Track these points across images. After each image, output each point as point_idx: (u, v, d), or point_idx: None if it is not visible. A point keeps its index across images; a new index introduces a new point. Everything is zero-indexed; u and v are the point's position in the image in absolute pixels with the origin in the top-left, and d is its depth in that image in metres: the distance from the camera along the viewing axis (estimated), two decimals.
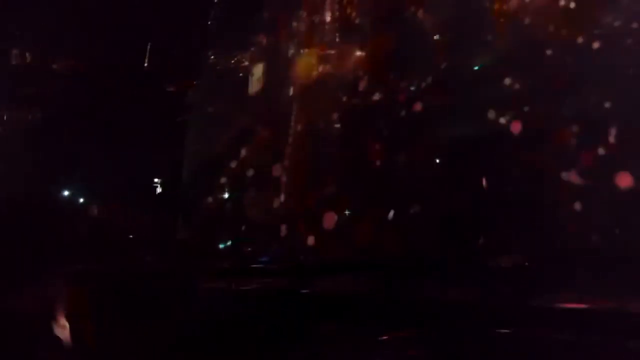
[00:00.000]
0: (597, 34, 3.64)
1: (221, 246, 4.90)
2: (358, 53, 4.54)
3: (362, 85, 4.44)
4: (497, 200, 3.89)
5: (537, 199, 3.84)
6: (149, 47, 5.48)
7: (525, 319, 3.47)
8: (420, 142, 4.23)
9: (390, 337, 3.81)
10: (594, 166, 3.61)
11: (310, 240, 4.50)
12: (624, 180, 3.62)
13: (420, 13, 4.30)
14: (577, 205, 3.63)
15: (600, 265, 3.48)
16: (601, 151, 3.63)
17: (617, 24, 3.62)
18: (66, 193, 5.14)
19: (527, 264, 3.70)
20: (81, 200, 5.20)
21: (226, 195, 5.09)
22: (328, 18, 4.76)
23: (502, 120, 3.93)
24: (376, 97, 4.40)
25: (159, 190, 5.36)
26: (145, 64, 5.46)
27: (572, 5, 3.79)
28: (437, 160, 4.12)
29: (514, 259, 3.83)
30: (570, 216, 3.65)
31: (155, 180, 5.36)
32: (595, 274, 3.46)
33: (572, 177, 3.74)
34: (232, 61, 5.43)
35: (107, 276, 4.74)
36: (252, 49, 5.30)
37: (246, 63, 5.28)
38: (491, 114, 4.00)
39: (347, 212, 4.38)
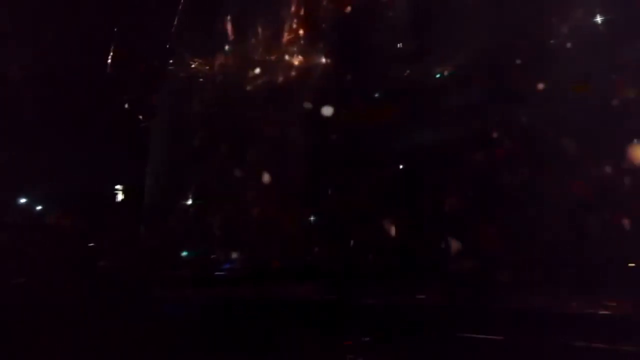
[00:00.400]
0: (551, 44, 3.75)
1: (184, 254, 4.88)
2: (315, 61, 4.58)
3: (317, 94, 4.49)
4: (451, 208, 3.97)
5: (488, 205, 3.93)
6: (111, 50, 5.43)
7: (483, 321, 3.53)
8: (372, 150, 4.29)
9: (350, 342, 3.84)
10: (546, 174, 3.72)
11: (269, 246, 4.52)
12: (579, 188, 3.72)
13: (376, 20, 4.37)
14: (532, 211, 3.73)
15: (558, 269, 3.57)
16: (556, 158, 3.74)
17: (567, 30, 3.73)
18: (22, 200, 5.07)
19: (482, 268, 3.78)
20: (38, 207, 5.13)
21: (189, 203, 5.08)
22: (288, 24, 4.78)
23: (453, 130, 4.03)
24: (329, 106, 4.44)
25: (120, 197, 5.32)
26: (107, 68, 5.41)
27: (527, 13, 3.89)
28: (393, 168, 4.19)
29: (469, 263, 3.91)
30: (526, 221, 3.74)
31: (117, 186, 5.31)
32: (552, 277, 3.55)
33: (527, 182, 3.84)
34: (197, 65, 5.41)
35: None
36: (217, 53, 5.29)
37: (210, 67, 5.27)
38: (440, 124, 4.09)
39: (303, 220, 4.43)
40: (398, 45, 4.23)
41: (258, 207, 4.78)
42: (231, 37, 5.12)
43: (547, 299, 3.38)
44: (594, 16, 3.70)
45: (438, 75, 4.07)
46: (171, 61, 5.43)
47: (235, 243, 4.74)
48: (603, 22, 3.68)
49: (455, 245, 3.88)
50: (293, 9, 4.68)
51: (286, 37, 4.73)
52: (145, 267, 4.87)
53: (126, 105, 5.38)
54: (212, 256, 4.79)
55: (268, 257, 4.52)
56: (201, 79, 5.29)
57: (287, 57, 4.72)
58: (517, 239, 3.74)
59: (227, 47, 5.18)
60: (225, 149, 4.97)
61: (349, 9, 4.45)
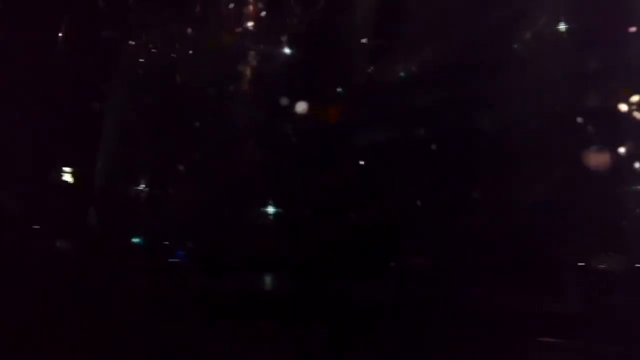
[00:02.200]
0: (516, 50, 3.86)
1: (135, 241, 4.81)
2: (275, 52, 4.56)
3: (278, 86, 4.48)
4: (410, 205, 4.06)
5: (446, 204, 4.04)
6: (62, 31, 5.27)
7: (439, 318, 3.62)
8: (333, 146, 4.33)
9: (302, 335, 3.87)
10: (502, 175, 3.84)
11: (225, 236, 4.50)
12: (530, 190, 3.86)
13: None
14: (488, 210, 3.85)
15: (513, 268, 3.69)
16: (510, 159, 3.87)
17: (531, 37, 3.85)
18: None
19: (440, 265, 3.88)
20: None
21: (141, 189, 4.99)
22: (248, 12, 4.74)
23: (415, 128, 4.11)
24: (289, 99, 4.44)
25: (70, 180, 5.18)
26: (58, 50, 5.24)
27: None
28: (353, 164, 4.23)
29: (426, 260, 4.00)
30: (482, 220, 3.86)
31: (67, 170, 5.18)
32: (507, 276, 3.67)
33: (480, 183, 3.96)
34: (150, 51, 5.31)
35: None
36: (172, 40, 5.20)
37: (164, 54, 5.17)
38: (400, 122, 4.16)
39: (261, 212, 4.42)
40: (362, 40, 4.27)
41: (213, 196, 4.75)
42: (187, 22, 5.04)
43: (503, 298, 3.49)
44: (558, 23, 3.82)
45: (402, 74, 4.14)
46: (126, 44, 5.30)
47: (190, 231, 4.70)
48: (566, 29, 3.80)
49: (413, 242, 3.96)
50: None
51: (245, 25, 4.69)
52: (93, 253, 4.78)
53: (77, 88, 5.23)
54: (165, 243, 4.74)
55: (224, 247, 4.50)
56: (155, 64, 5.19)
57: (245, 46, 4.68)
58: (474, 238, 3.85)
59: (183, 32, 5.10)
60: (180, 137, 4.90)
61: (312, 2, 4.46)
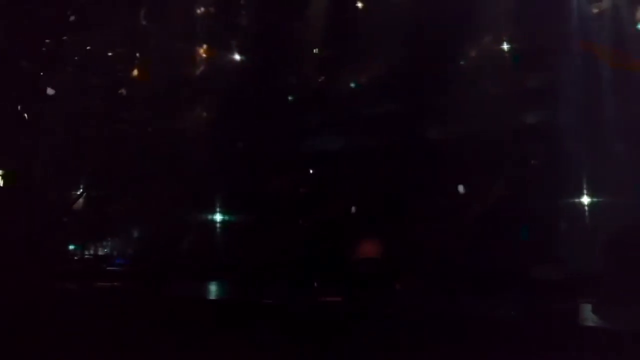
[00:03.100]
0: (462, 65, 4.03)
1: (72, 247, 4.67)
2: (226, 60, 4.56)
3: (228, 94, 4.47)
4: (357, 214, 4.14)
5: (392, 213, 4.13)
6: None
7: (383, 323, 3.67)
8: (281, 154, 4.35)
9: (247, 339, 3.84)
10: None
11: (168, 244, 4.43)
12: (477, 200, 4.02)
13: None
14: (433, 220, 3.96)
15: (455, 275, 3.80)
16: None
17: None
18: None
19: (385, 272, 3.94)
20: None
21: (81, 194, 4.86)
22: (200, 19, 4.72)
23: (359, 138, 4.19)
24: (240, 107, 4.45)
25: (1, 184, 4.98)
26: None
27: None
28: (302, 173, 4.28)
29: (373, 267, 4.06)
30: (427, 230, 3.97)
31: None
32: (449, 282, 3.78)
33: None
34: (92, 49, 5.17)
35: None
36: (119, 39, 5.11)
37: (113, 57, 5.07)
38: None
39: (206, 220, 4.38)
40: (314, 51, 4.34)
41: (156, 204, 4.67)
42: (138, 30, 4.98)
43: (446, 303, 3.57)
44: (501, 43, 4.03)
45: (352, 85, 4.23)
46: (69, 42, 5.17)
47: (129, 239, 4.61)
48: (509, 49, 4.02)
49: (359, 249, 4.02)
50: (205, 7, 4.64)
51: (196, 33, 4.67)
52: (30, 258, 4.60)
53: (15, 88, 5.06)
54: (105, 250, 4.63)
55: (167, 254, 4.43)
56: (100, 69, 5.09)
57: (196, 53, 4.67)
58: (418, 246, 3.94)
59: (133, 40, 5.02)
60: (123, 144, 4.81)
61: (266, 11, 4.51)
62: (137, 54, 4.87)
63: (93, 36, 5.01)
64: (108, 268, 4.56)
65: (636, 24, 4.17)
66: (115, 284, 4.52)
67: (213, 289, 4.31)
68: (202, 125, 4.64)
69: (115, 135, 4.85)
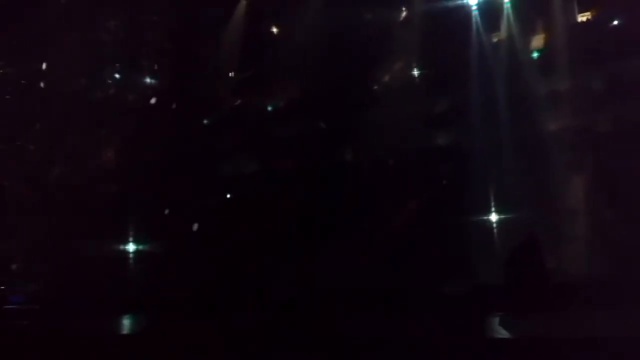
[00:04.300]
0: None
1: None
2: (142, 81, 4.42)
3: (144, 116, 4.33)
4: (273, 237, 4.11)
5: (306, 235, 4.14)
6: None
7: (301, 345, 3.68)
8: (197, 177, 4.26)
9: None
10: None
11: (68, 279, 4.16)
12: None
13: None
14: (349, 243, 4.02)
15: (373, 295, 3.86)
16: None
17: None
18: None
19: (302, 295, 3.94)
20: None
21: None
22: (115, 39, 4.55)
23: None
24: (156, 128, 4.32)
25: None
26: None
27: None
28: (219, 195, 4.20)
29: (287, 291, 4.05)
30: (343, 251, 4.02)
31: None
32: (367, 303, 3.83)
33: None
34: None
35: None
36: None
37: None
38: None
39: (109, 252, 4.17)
40: (230, 74, 4.32)
41: (53, 237, 4.39)
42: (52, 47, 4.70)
43: (363, 323, 3.61)
44: (411, 70, 4.22)
45: (270, 108, 4.23)
46: None
47: (26, 274, 4.29)
48: (419, 75, 4.21)
49: (275, 273, 4.00)
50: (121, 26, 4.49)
51: (112, 52, 4.51)
52: None
53: None
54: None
55: (69, 289, 4.16)
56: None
57: (110, 73, 4.49)
58: (330, 266, 3.98)
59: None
60: (21, 169, 4.51)
61: (182, 32, 4.43)
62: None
63: None
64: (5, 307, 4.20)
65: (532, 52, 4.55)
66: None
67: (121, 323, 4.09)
68: (112, 151, 4.44)
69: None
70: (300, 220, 4.15)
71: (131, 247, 4.28)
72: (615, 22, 4.43)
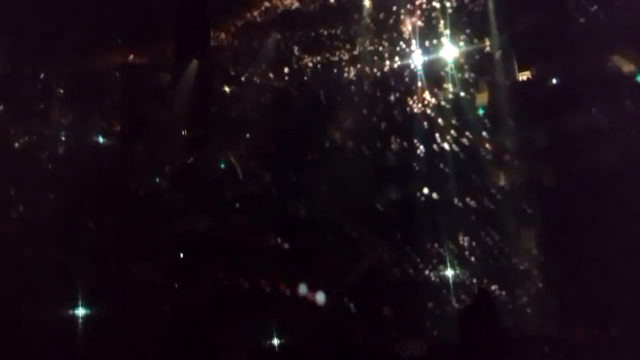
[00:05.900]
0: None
1: None
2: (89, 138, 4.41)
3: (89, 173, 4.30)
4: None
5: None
6: None
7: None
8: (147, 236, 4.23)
9: None
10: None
11: None
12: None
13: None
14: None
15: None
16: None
17: None
18: None
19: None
20: None
21: None
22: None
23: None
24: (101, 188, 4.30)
25: None
26: None
27: None
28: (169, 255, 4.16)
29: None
30: None
31: None
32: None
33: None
34: None
35: None
36: None
37: None
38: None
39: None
40: (183, 132, 4.35)
41: None
42: None
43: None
44: (364, 125, 4.32)
45: (222, 165, 4.25)
46: None
47: None
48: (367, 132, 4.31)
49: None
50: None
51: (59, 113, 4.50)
52: None
53: None
54: None
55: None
56: None
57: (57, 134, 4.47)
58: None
59: None
60: None
61: (131, 88, 4.47)
62: None
63: None
64: None
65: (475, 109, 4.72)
66: None
67: None
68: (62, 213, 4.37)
69: None
70: (248, 277, 4.13)
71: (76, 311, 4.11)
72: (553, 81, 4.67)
